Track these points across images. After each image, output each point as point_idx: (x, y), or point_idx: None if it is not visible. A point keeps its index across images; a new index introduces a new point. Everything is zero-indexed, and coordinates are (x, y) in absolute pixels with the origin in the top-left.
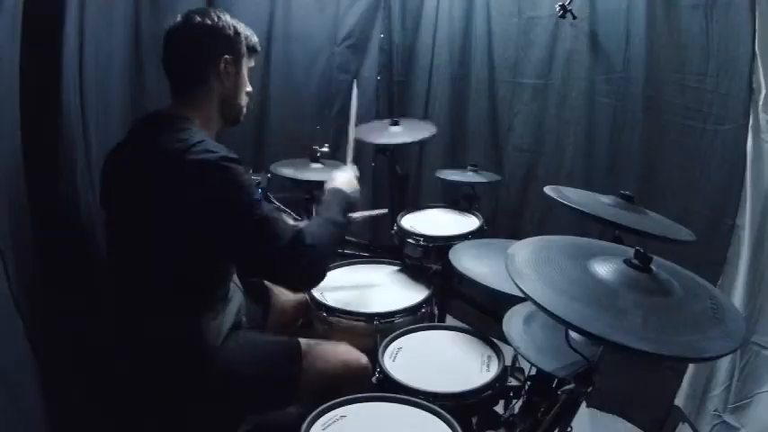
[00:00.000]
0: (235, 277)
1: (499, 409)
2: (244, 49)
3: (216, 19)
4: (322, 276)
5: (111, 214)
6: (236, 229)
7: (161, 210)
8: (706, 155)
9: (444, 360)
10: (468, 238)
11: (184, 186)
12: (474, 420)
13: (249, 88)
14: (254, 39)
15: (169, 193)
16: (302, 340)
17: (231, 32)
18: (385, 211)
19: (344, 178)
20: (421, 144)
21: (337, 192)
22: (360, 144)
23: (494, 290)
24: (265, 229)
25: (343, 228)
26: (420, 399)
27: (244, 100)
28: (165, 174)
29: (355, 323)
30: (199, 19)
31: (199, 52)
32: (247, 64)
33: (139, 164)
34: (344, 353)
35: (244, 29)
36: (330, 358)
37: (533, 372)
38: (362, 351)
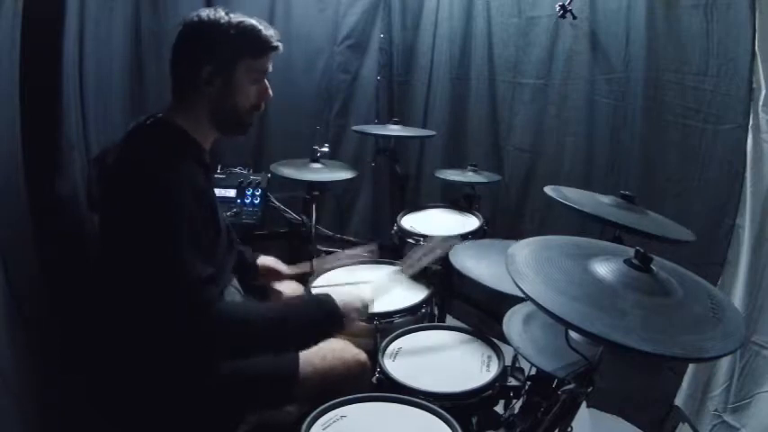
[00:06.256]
0: (234, 281)
1: (499, 409)
2: (243, 52)
3: (209, 22)
4: (217, 357)
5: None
6: (142, 261)
7: (114, 225)
8: (706, 155)
9: (444, 360)
10: (468, 239)
11: (120, 200)
12: (474, 420)
13: (257, 92)
14: (266, 38)
15: (113, 208)
16: None
17: (224, 36)
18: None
19: (357, 302)
20: (421, 144)
21: (338, 314)
22: (360, 143)
23: (494, 290)
24: (172, 274)
25: (294, 344)
26: (420, 399)
27: (244, 106)
28: (113, 187)
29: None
30: (191, 22)
31: (184, 58)
32: (254, 66)
33: (106, 173)
34: (341, 350)
35: (251, 28)
36: (327, 355)
37: (533, 372)
38: (363, 351)
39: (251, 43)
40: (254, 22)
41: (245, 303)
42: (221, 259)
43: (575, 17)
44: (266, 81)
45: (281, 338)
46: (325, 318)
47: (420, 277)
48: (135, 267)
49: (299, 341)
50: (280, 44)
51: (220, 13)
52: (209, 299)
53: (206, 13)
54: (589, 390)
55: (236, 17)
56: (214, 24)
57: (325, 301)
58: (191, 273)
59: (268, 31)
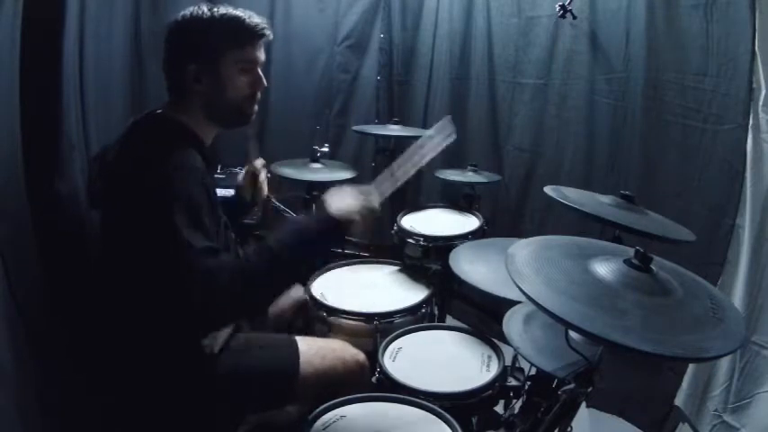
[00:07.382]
0: None
1: (499, 409)
2: (226, 44)
3: (190, 19)
4: (216, 324)
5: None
6: (152, 237)
7: (115, 219)
8: (706, 155)
9: (444, 360)
10: (468, 238)
11: (120, 197)
12: (474, 420)
13: (248, 83)
14: (251, 25)
15: (114, 205)
16: (299, 338)
17: (205, 31)
18: None
19: (348, 205)
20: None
21: (324, 227)
22: (360, 143)
23: (494, 295)
24: (175, 266)
25: (288, 279)
26: (420, 399)
27: (237, 98)
28: (114, 183)
29: (355, 323)
30: (174, 22)
31: (171, 59)
32: (241, 57)
33: (107, 170)
34: (341, 350)
35: (234, 18)
36: (326, 355)
37: (533, 372)
38: (362, 351)
39: (235, 33)
40: (238, 12)
41: (241, 259)
42: None
43: (575, 17)
44: (259, 70)
45: (288, 275)
46: (326, 234)
47: (420, 277)
48: (137, 262)
49: (307, 264)
50: (266, 31)
51: (203, 9)
52: (211, 268)
53: (189, 11)
54: (589, 390)
55: (219, 10)
56: (195, 21)
57: (321, 219)
58: (194, 259)
59: (252, 20)
